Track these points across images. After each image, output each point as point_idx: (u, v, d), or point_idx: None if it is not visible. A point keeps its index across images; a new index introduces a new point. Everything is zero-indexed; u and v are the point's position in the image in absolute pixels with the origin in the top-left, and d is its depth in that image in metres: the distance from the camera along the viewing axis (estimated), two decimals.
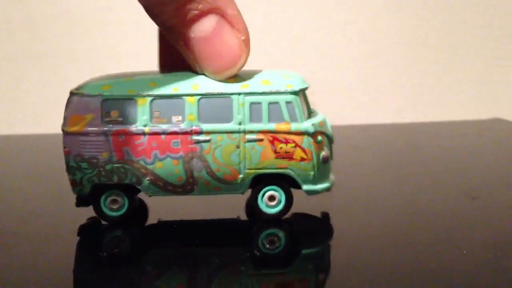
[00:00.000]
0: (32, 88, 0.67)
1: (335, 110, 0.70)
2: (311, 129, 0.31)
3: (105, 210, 0.32)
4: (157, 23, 0.29)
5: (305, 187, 0.32)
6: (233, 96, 0.30)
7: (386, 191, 0.38)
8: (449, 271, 0.26)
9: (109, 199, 0.31)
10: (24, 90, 0.66)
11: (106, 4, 0.66)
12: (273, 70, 0.33)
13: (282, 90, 0.31)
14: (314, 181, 0.32)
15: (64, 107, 0.31)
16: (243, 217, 0.33)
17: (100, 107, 0.30)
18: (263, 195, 0.32)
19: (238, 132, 0.30)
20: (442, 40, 0.71)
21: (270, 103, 0.31)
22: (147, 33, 0.68)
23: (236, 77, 0.31)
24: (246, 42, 0.29)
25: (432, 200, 0.36)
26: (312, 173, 0.31)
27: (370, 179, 0.41)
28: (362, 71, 0.70)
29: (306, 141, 0.31)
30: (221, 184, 0.31)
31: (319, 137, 0.31)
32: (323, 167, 0.32)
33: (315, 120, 0.32)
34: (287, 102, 0.31)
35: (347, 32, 0.69)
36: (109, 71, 0.72)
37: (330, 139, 0.33)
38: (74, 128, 0.30)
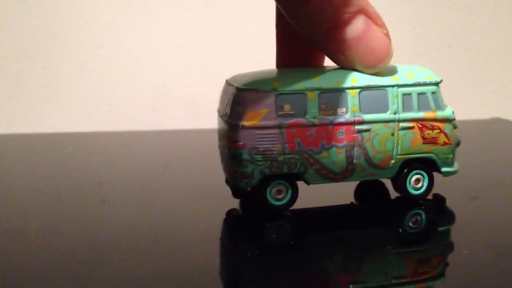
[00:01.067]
0: (32, 87, 0.66)
1: None
2: (452, 116, 0.34)
3: (271, 199, 0.33)
4: (302, 30, 0.31)
5: (444, 169, 0.35)
6: (388, 88, 0.33)
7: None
8: (450, 271, 0.26)
9: (274, 189, 0.33)
10: (23, 89, 0.66)
11: (106, 5, 0.66)
12: (404, 65, 0.36)
13: (427, 81, 0.34)
14: (451, 163, 0.35)
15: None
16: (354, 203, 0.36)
17: (274, 101, 0.32)
18: (411, 178, 0.34)
19: (393, 121, 0.33)
20: (441, 39, 0.71)
21: (418, 94, 0.34)
22: (146, 34, 0.68)
23: (385, 71, 0.33)
24: (388, 36, 0.32)
25: (432, 199, 0.36)
26: (451, 156, 0.35)
27: None
28: None
29: (448, 127, 0.34)
30: (375, 169, 0.33)
31: (456, 123, 0.35)
32: (456, 151, 0.35)
33: (450, 108, 0.35)
34: (433, 92, 0.34)
35: None
36: (109, 70, 0.72)
37: None
38: (251, 123, 0.32)
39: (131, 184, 0.41)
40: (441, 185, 0.36)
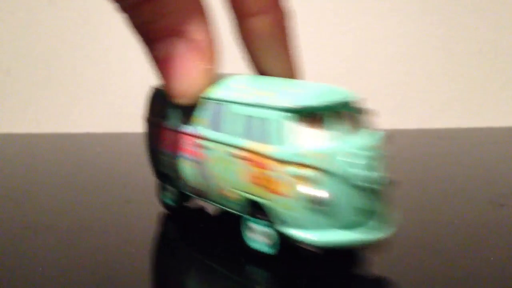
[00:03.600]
0: (61, 87, 0.68)
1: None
2: (293, 158, 0.25)
3: None
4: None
5: (286, 229, 0.25)
6: (228, 104, 0.28)
7: (412, 197, 0.38)
8: (476, 278, 0.26)
9: None
10: (52, 90, 0.68)
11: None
12: (310, 82, 0.29)
13: (276, 106, 0.25)
14: (302, 226, 0.25)
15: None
16: None
17: None
18: None
19: (224, 143, 0.28)
20: (472, 45, 0.70)
21: (262, 119, 0.26)
22: None
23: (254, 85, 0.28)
24: (208, 73, 0.27)
25: (459, 207, 0.35)
26: (295, 214, 0.25)
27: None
28: (392, 76, 0.69)
29: (283, 171, 0.25)
30: (221, 197, 0.29)
31: (314, 175, 0.24)
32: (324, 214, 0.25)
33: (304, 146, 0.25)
34: (276, 120, 0.25)
35: (375, 37, 0.69)
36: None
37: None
38: None
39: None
40: (468, 192, 0.35)
